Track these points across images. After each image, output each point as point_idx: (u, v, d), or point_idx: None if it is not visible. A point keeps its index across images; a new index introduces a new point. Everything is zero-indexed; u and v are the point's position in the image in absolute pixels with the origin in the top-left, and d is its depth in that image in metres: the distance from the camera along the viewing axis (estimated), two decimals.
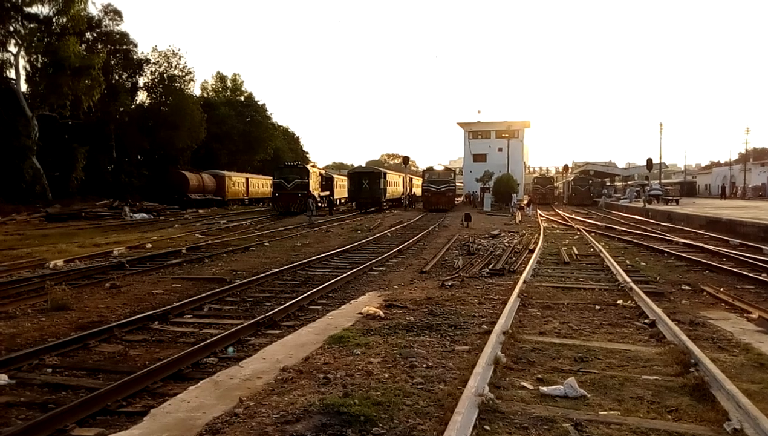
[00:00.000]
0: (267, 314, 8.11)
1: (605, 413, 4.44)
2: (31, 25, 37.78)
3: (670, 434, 4.05)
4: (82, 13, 39.70)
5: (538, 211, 39.75)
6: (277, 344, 6.58)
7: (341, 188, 53.06)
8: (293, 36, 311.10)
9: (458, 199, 53.74)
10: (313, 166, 50.89)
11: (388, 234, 22.50)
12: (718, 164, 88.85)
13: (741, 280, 11.04)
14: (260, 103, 68.49)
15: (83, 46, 41.24)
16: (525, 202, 44.73)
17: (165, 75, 50.56)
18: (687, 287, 10.35)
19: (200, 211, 40.84)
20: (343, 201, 53.14)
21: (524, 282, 10.28)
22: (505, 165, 55.73)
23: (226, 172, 50.82)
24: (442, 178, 44.77)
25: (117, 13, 45.96)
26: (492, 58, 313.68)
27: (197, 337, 7.47)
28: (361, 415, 4.23)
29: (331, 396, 4.63)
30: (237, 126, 59.30)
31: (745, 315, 8.01)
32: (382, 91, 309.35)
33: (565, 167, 72.94)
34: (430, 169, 47.70)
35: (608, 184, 71.02)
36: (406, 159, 58.79)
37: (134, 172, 46.20)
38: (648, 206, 36.05)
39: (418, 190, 55.15)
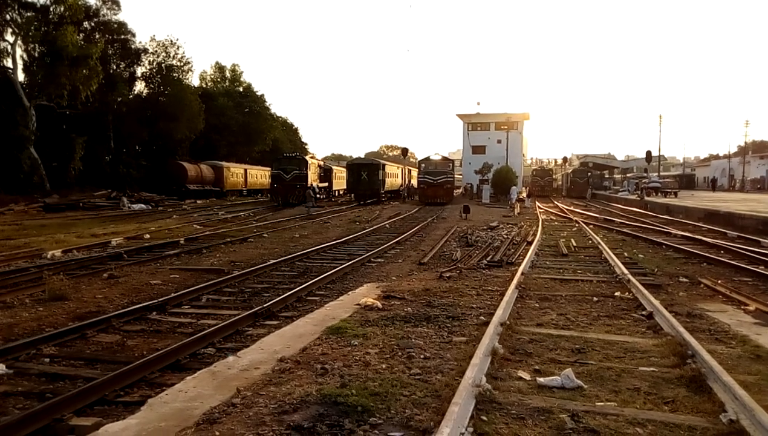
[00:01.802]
0: (265, 305, 8.11)
1: (602, 404, 4.45)
2: (28, 14, 37.57)
3: (666, 424, 4.06)
4: (79, 2, 39.52)
5: (537, 203, 39.72)
6: (275, 335, 6.58)
7: (340, 180, 52.97)
8: (292, 26, 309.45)
9: (457, 191, 53.30)
10: (311, 157, 50.72)
11: (387, 226, 22.50)
12: (717, 157, 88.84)
13: (738, 272, 11.06)
14: (259, 93, 68.23)
15: (81, 35, 40.96)
16: (524, 194, 44.54)
17: (163, 65, 50.34)
18: (685, 279, 10.37)
19: (198, 202, 40.77)
20: (341, 192, 53.08)
21: (522, 274, 10.29)
22: (504, 157, 55.53)
23: (224, 163, 50.66)
24: (439, 169, 41.44)
25: (115, 2, 45.69)
26: (492, 49, 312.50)
27: (195, 327, 7.48)
28: (359, 405, 4.24)
29: (328, 386, 4.64)
30: (236, 117, 59.10)
31: (743, 307, 8.03)
32: (381, 82, 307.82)
33: (564, 159, 72.92)
34: (426, 159, 43.31)
35: (607, 176, 71.01)
36: (405, 150, 58.64)
37: (132, 163, 46.10)
38: (646, 199, 36.05)
39: (416, 182, 54.82)
